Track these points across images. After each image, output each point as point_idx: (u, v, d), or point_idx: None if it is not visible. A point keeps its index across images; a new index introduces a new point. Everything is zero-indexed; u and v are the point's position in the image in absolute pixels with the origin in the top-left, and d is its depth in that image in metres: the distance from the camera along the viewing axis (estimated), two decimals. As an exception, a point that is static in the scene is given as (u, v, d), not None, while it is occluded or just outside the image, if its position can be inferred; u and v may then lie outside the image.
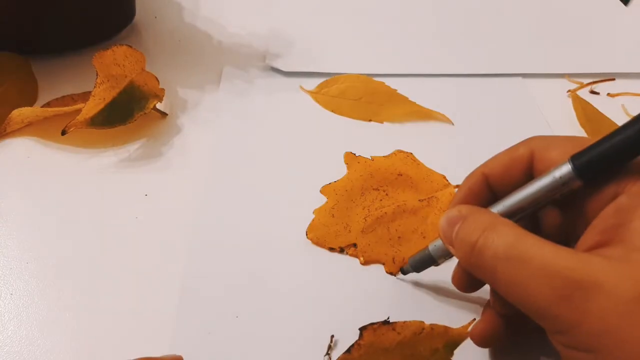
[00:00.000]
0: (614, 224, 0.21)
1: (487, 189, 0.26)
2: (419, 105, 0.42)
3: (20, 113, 0.37)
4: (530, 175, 0.25)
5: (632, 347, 0.18)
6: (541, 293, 0.20)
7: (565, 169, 0.22)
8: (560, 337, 0.20)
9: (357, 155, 0.37)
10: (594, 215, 0.22)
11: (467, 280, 0.27)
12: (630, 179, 0.21)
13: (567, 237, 0.25)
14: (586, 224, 0.23)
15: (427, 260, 0.28)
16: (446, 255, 0.27)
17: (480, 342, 0.26)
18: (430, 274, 0.30)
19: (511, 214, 0.24)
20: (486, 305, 0.27)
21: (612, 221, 0.21)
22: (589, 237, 0.22)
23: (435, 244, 0.27)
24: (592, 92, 0.45)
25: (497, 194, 0.26)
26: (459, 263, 0.27)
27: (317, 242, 0.32)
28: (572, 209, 0.24)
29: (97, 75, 0.37)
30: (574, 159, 0.22)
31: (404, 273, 0.30)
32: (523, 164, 0.25)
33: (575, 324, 0.19)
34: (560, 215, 0.25)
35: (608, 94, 0.45)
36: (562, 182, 0.22)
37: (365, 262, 0.31)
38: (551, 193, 0.23)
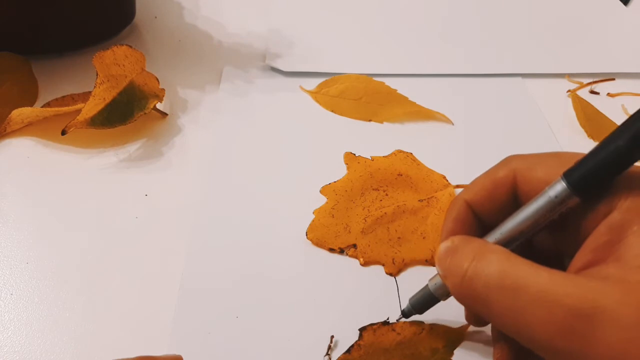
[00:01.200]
0: (607, 242, 0.20)
1: (472, 215, 0.25)
2: (419, 105, 0.42)
3: (20, 113, 0.37)
4: (514, 197, 0.24)
5: None
6: (540, 324, 0.19)
7: (560, 187, 0.21)
8: None
9: (357, 155, 0.37)
10: (587, 233, 0.22)
11: (474, 315, 0.26)
12: (622, 194, 0.21)
13: (559, 255, 0.24)
14: (579, 241, 0.22)
15: (428, 299, 0.26)
16: (447, 292, 0.25)
17: None
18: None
19: (511, 240, 0.23)
20: (495, 339, 0.26)
21: (605, 239, 0.21)
22: (582, 255, 0.21)
23: (435, 282, 0.25)
24: (592, 92, 0.45)
25: (483, 220, 0.25)
26: None
27: (317, 243, 0.32)
28: (564, 227, 0.23)
29: (97, 75, 0.37)
30: (566, 175, 0.21)
31: (406, 316, 0.27)
32: (506, 187, 0.24)
33: (580, 355, 0.18)
34: (551, 235, 0.24)
35: (608, 94, 0.45)
36: (559, 201, 0.21)
37: (365, 263, 0.31)
38: (550, 214, 0.22)
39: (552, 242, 0.24)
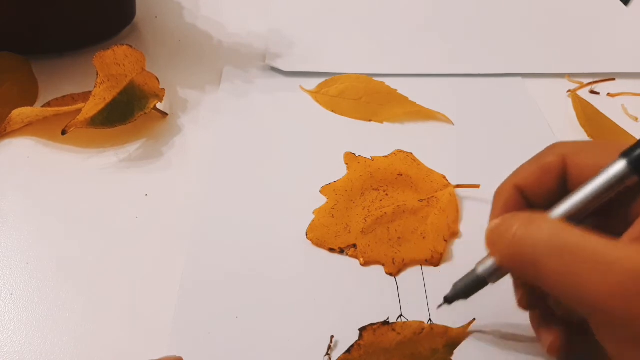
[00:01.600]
0: None
1: (523, 201, 0.25)
2: (419, 105, 0.42)
3: (21, 113, 0.37)
4: (563, 183, 0.24)
5: None
6: (593, 285, 0.19)
7: (620, 165, 0.22)
8: (613, 331, 0.20)
9: (357, 155, 0.37)
10: (638, 213, 0.22)
11: (527, 300, 0.25)
12: None
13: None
14: (628, 223, 0.22)
15: (476, 282, 0.25)
16: (497, 273, 0.24)
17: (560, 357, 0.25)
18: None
19: (571, 218, 0.23)
20: (539, 323, 0.26)
21: None
22: (636, 229, 0.21)
23: (484, 264, 0.25)
24: (592, 92, 0.45)
25: (533, 206, 0.25)
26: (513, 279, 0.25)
27: (317, 243, 0.32)
28: (612, 212, 0.23)
29: (97, 75, 0.37)
30: (626, 155, 0.22)
31: (449, 302, 0.26)
32: (556, 172, 0.24)
33: (634, 316, 0.18)
34: (598, 221, 0.24)
35: (608, 94, 0.45)
36: (618, 180, 0.22)
37: (365, 263, 0.31)
38: (608, 193, 0.22)
39: (595, 227, 0.24)
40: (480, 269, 0.25)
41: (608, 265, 0.19)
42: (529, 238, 0.21)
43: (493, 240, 0.23)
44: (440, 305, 0.26)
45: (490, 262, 0.24)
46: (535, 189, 0.24)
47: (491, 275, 0.24)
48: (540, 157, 0.25)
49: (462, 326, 0.28)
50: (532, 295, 0.25)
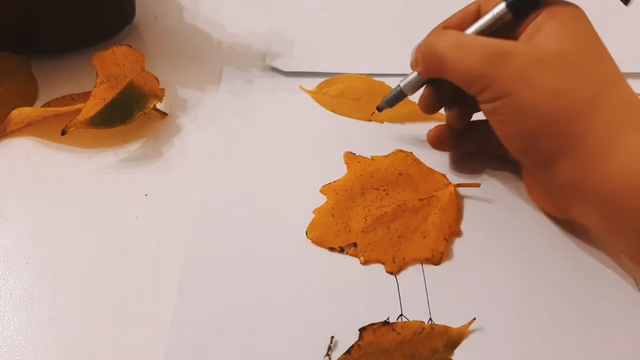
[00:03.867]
0: (529, 34, 0.29)
1: None
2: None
3: (20, 113, 0.37)
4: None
5: (537, 87, 0.28)
6: (475, 61, 0.29)
7: (501, 7, 0.31)
8: (484, 95, 0.29)
9: (357, 155, 0.37)
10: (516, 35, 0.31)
11: (430, 101, 0.35)
12: (546, 8, 0.30)
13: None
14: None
15: (398, 95, 0.36)
16: (414, 87, 0.35)
17: (433, 143, 0.37)
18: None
19: None
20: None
21: (529, 32, 0.30)
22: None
23: (404, 80, 0.35)
24: (592, 91, 0.45)
25: None
26: (424, 85, 0.35)
27: (317, 242, 0.32)
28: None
29: (97, 75, 0.37)
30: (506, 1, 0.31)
31: (380, 110, 0.38)
32: (473, 15, 0.33)
33: (496, 76, 0.28)
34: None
35: (608, 94, 0.45)
36: (498, 16, 0.31)
37: (366, 262, 0.31)
38: (491, 24, 0.31)
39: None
40: (402, 84, 0.36)
41: (485, 47, 0.29)
42: (438, 41, 0.31)
43: (416, 54, 0.34)
44: (373, 113, 0.39)
45: (410, 77, 0.35)
46: (458, 27, 0.33)
47: (409, 87, 0.36)
48: (465, 8, 0.34)
49: (462, 326, 0.28)
50: (434, 97, 0.35)
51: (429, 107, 0.36)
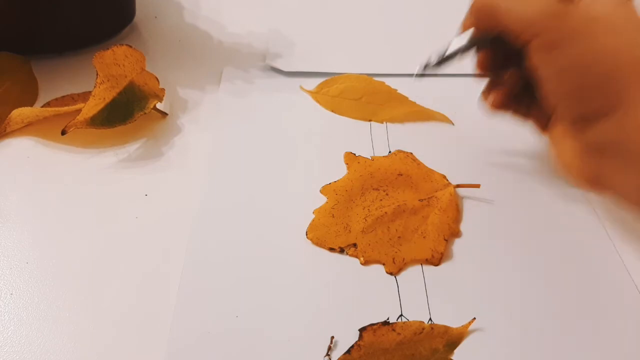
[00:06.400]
0: None
1: None
2: (419, 105, 0.42)
3: (20, 113, 0.37)
4: None
5: (600, 43, 0.27)
6: (534, 7, 0.28)
7: None
8: (538, 41, 0.28)
9: (357, 155, 0.37)
10: None
11: (487, 57, 0.34)
12: None
13: None
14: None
15: (449, 56, 0.34)
16: (462, 50, 0.34)
17: (493, 103, 0.35)
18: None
19: None
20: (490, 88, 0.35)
21: None
22: None
23: (453, 43, 0.34)
24: (592, 91, 0.45)
25: None
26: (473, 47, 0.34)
27: (317, 242, 0.32)
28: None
29: (97, 75, 0.37)
30: None
31: (427, 67, 0.35)
32: None
33: (558, 20, 0.27)
34: None
35: (608, 94, 0.45)
36: None
37: (366, 262, 0.31)
38: None
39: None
40: (453, 41, 0.34)
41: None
42: None
43: (468, 12, 0.34)
44: (415, 74, 0.35)
45: (459, 37, 0.34)
46: None
47: (458, 51, 0.34)
48: None
49: (462, 326, 0.28)
50: (490, 59, 0.34)
51: (486, 66, 0.35)
